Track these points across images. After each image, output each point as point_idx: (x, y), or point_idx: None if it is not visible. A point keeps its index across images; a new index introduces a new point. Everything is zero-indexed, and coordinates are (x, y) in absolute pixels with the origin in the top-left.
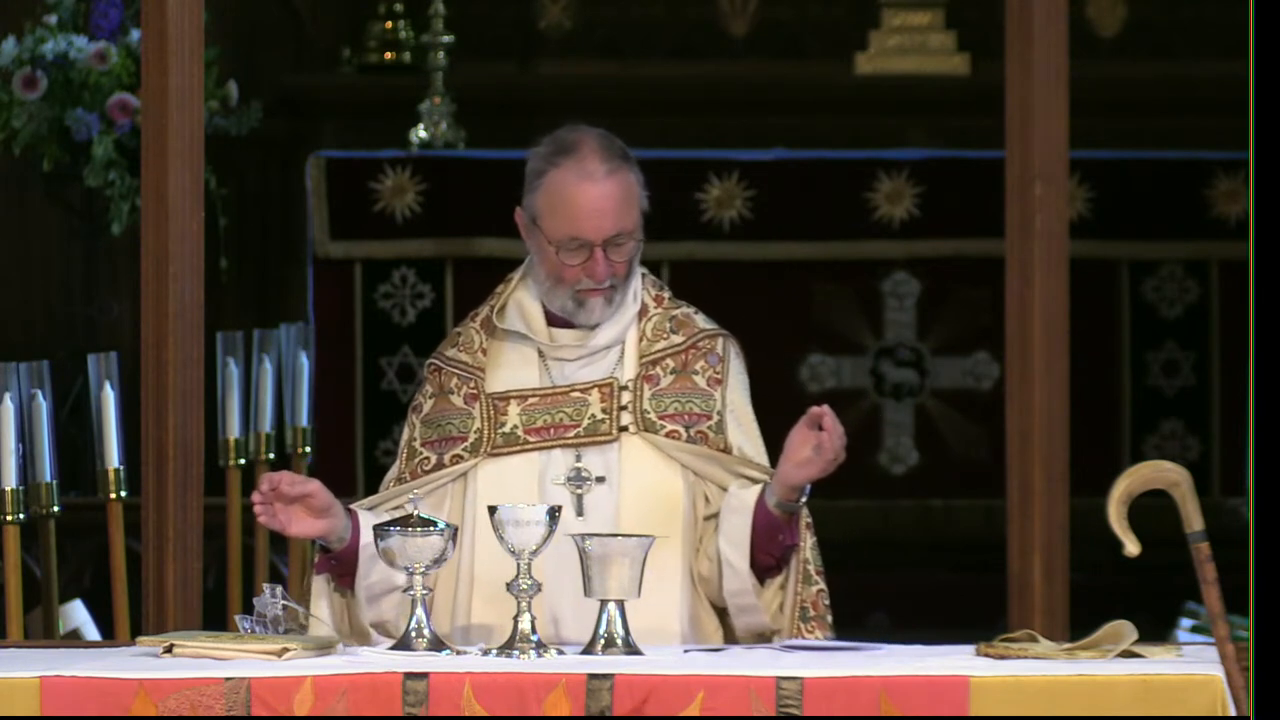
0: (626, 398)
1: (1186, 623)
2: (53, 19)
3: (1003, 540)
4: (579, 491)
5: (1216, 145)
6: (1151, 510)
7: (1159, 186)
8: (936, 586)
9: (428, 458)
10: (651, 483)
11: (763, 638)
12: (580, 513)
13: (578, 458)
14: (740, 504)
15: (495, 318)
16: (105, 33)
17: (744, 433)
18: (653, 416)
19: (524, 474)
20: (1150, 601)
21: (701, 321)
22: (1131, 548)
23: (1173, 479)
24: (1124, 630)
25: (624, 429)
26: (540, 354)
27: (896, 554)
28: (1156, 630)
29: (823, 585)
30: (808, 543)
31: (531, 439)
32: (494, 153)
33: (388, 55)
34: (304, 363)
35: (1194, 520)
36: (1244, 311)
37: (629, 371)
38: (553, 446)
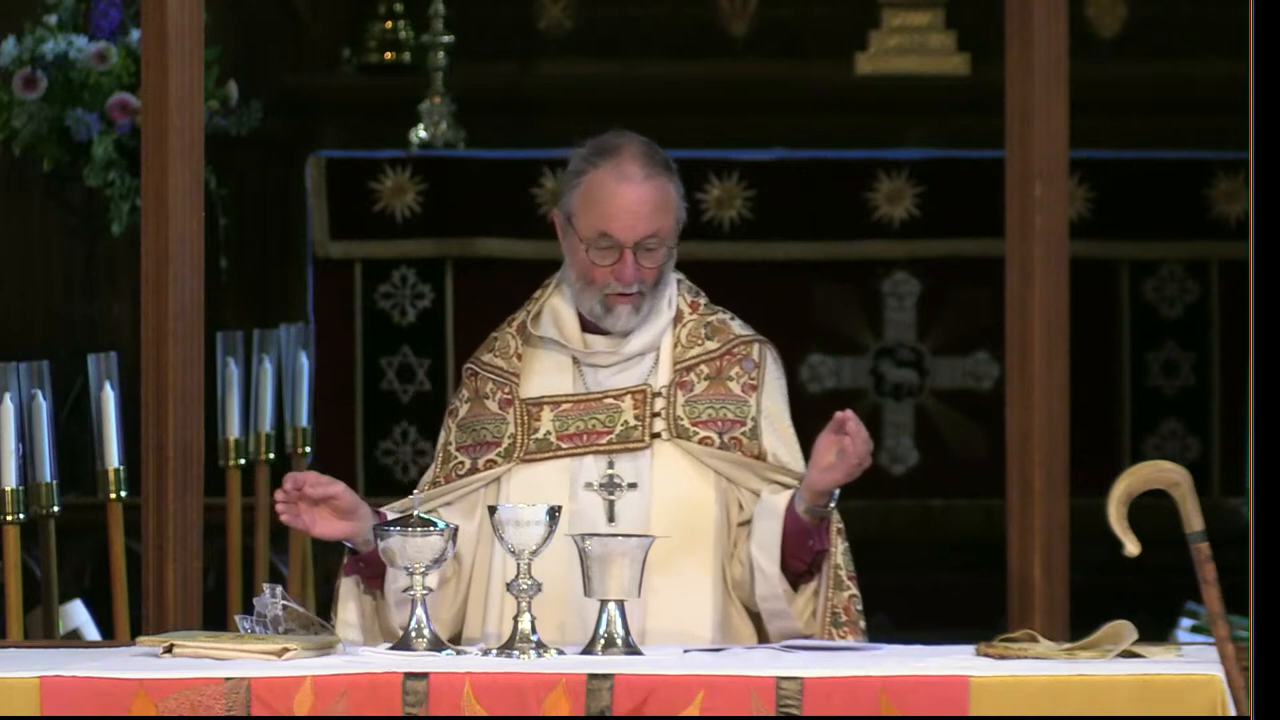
0: (660, 404)
1: (1186, 623)
2: (53, 19)
3: (1003, 540)
4: (610, 498)
5: (1216, 145)
6: (1151, 510)
7: (1159, 186)
8: (936, 586)
9: (462, 462)
10: (683, 489)
11: None
12: (612, 518)
13: (610, 464)
14: (770, 509)
15: (530, 324)
16: (105, 33)
17: (779, 438)
18: (686, 423)
19: (556, 480)
20: (1150, 601)
21: (738, 328)
22: (1131, 548)
23: (1173, 479)
24: (1124, 630)
25: (656, 435)
26: (574, 360)
27: (896, 554)
28: (1156, 630)
29: (855, 590)
30: (839, 548)
31: (565, 445)
32: (494, 153)
33: (388, 55)
34: (304, 363)
35: (1194, 520)
36: (1244, 311)
37: (663, 378)
38: (585, 453)
